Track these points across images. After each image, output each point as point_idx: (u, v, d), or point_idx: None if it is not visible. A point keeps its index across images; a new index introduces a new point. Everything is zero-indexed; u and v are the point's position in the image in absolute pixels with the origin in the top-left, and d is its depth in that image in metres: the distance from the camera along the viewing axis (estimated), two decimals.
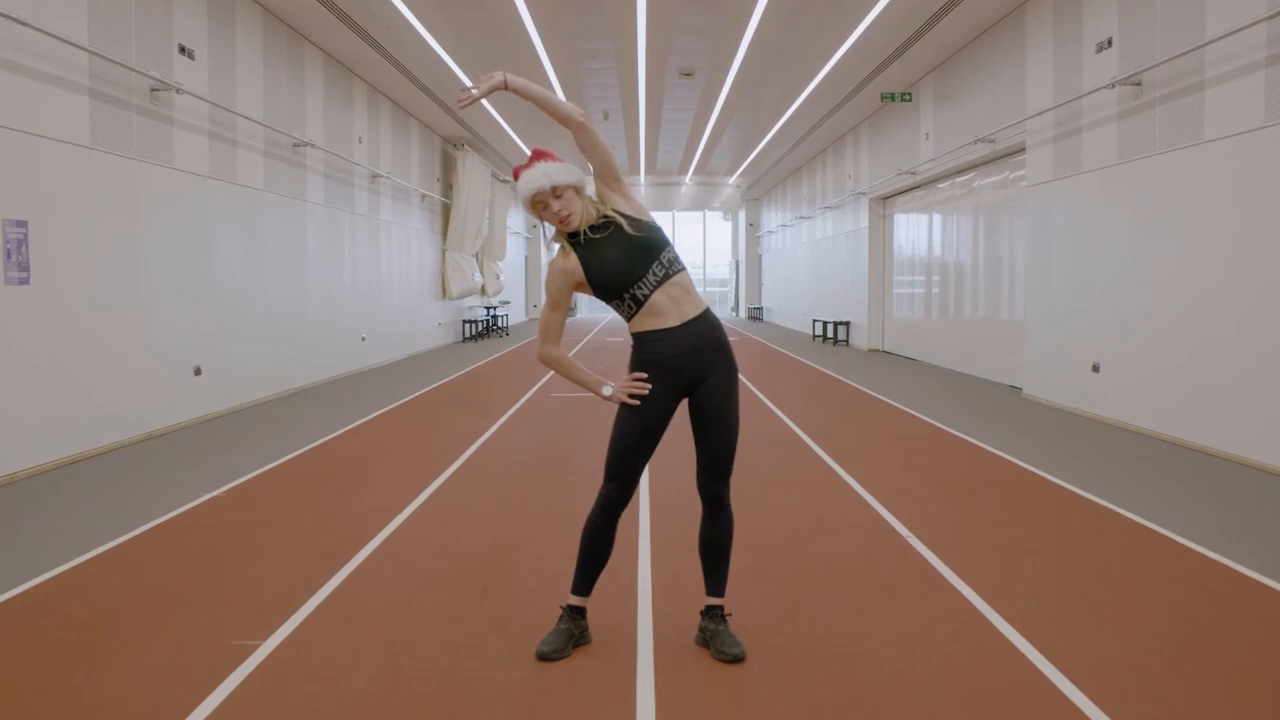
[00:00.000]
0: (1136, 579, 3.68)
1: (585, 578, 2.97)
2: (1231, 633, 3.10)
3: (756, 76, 12.50)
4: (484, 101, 14.04)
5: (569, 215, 2.83)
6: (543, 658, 2.86)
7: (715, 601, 3.00)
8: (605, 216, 2.85)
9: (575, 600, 2.98)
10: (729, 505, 2.99)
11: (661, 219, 33.76)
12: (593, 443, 6.60)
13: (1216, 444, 6.23)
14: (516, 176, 2.84)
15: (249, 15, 8.79)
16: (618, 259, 2.82)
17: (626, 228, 2.82)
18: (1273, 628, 3.15)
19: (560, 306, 2.98)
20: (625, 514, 3.00)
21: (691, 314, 2.84)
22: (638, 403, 2.84)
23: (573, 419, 7.93)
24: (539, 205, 2.83)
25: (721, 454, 2.92)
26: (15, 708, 2.59)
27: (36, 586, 3.60)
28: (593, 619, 3.08)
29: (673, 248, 2.90)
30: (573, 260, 2.88)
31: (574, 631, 2.95)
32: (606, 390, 2.90)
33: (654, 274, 2.81)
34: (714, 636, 2.92)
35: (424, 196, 15.76)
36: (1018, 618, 3.23)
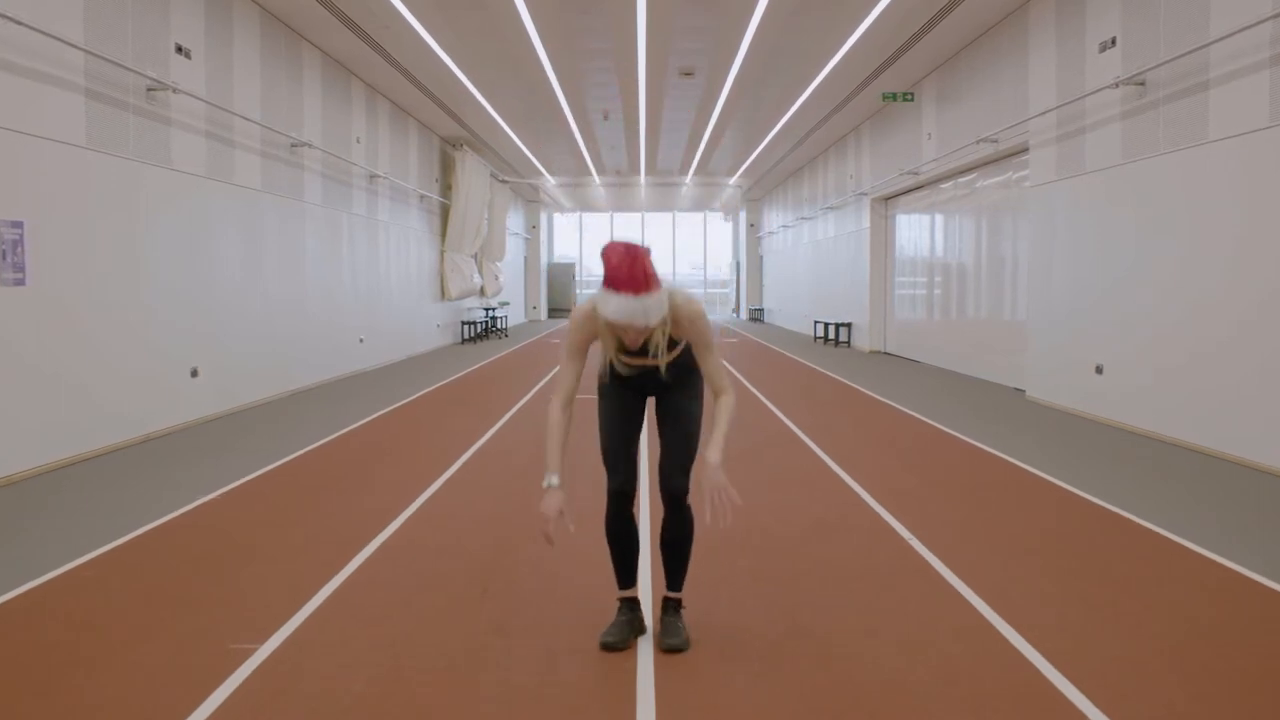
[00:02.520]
0: (1137, 579, 3.67)
1: (624, 570, 3.04)
2: (1232, 633, 3.09)
3: (757, 76, 12.48)
4: (484, 101, 14.05)
5: (640, 341, 2.75)
6: (606, 648, 2.94)
7: (672, 595, 3.07)
8: (662, 346, 2.78)
9: (624, 593, 3.05)
10: (688, 504, 2.98)
11: (662, 220, 33.84)
12: (592, 443, 6.57)
13: (1217, 445, 6.21)
14: (608, 272, 2.59)
15: (246, 14, 8.77)
16: (640, 373, 2.89)
17: (664, 375, 2.85)
18: (1273, 628, 3.14)
19: (577, 355, 2.87)
20: None
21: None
22: (552, 543, 2.81)
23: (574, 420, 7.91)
24: (619, 328, 2.68)
25: (676, 443, 2.94)
26: (14, 709, 2.58)
27: (36, 588, 3.59)
28: (592, 620, 3.06)
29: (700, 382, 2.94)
30: (599, 325, 2.78)
31: (634, 622, 3.03)
32: (547, 482, 2.85)
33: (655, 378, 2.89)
34: (662, 627, 3.01)
35: (422, 197, 15.74)
36: (1018, 618, 3.22)
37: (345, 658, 2.92)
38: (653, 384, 2.95)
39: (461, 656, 2.92)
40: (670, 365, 2.84)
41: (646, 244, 2.64)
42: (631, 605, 3.05)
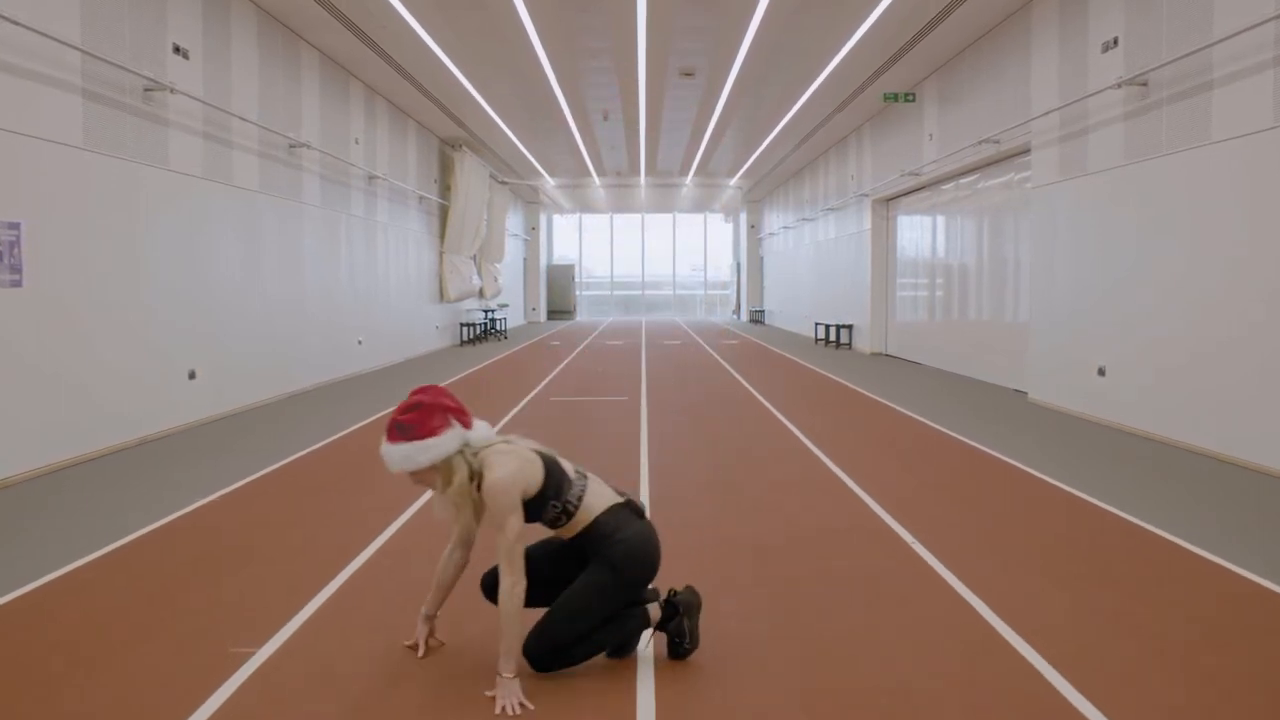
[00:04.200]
0: (1142, 584, 3.63)
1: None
2: (1238, 638, 3.05)
3: (758, 76, 12.45)
4: (483, 102, 14.01)
5: (426, 488, 2.79)
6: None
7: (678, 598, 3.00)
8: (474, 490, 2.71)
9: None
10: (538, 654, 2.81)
11: (662, 221, 33.78)
12: (593, 444, 6.55)
13: (1220, 447, 6.17)
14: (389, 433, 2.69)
15: (244, 14, 8.74)
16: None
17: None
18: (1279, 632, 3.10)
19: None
20: None
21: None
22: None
23: (573, 422, 7.87)
24: None
25: (552, 613, 2.77)
26: (14, 711, 2.55)
27: (34, 590, 3.56)
28: None
29: (555, 501, 2.76)
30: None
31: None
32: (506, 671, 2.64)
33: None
34: (671, 632, 2.94)
35: (421, 198, 15.71)
36: (1022, 624, 3.18)
37: (345, 660, 2.88)
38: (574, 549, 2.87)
39: (461, 659, 2.88)
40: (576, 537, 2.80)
41: (440, 389, 2.74)
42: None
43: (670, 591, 2.93)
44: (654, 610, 2.87)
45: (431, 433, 2.62)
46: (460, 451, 2.66)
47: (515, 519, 2.63)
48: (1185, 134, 6.58)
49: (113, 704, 2.60)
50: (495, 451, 2.69)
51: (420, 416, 2.63)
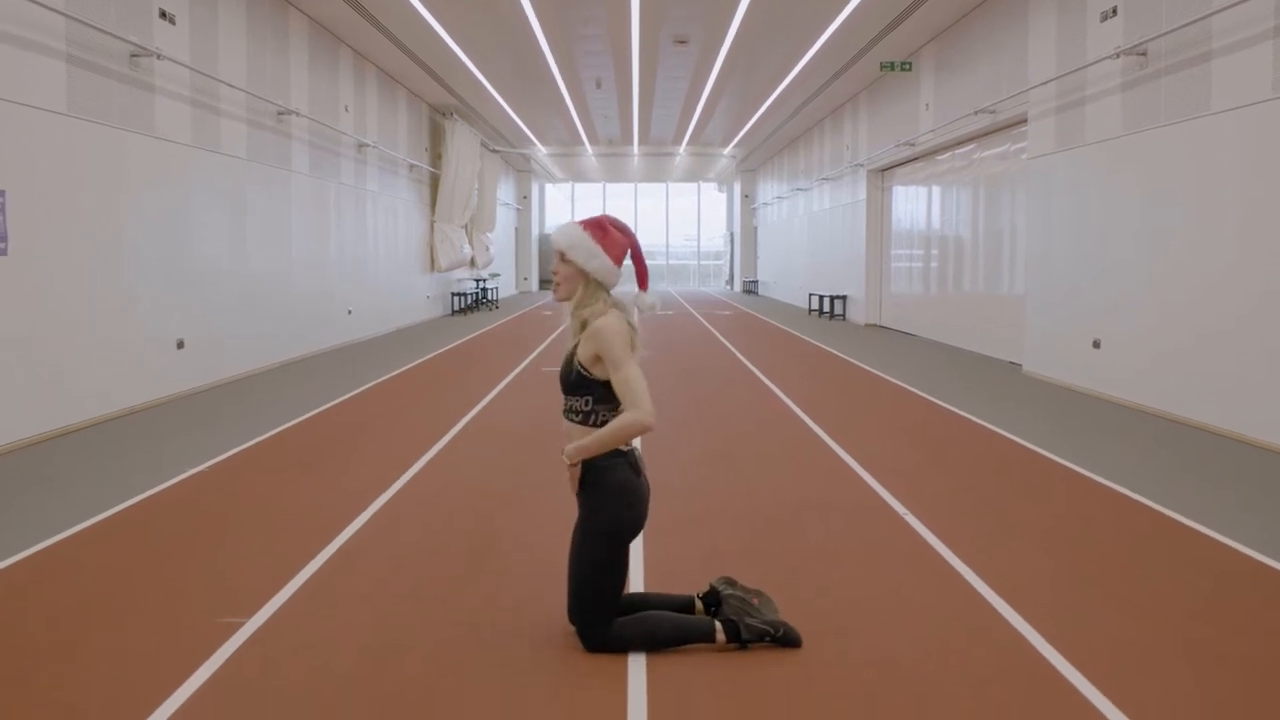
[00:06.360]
0: (1138, 559, 3.64)
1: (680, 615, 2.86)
2: (1235, 614, 3.06)
3: (753, 44, 12.29)
4: (474, 69, 13.82)
5: (558, 284, 2.76)
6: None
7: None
8: (583, 326, 2.68)
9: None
10: (594, 637, 2.74)
11: (655, 190, 33.45)
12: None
13: (1221, 422, 6.18)
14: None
15: None
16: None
17: (570, 353, 2.72)
18: (1277, 608, 3.11)
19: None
20: None
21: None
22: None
23: None
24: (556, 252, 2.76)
25: (569, 580, 2.77)
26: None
27: (16, 564, 3.53)
28: None
29: (590, 400, 2.67)
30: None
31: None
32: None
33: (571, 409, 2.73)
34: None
35: (412, 167, 15.54)
36: (1017, 598, 3.18)
37: (333, 634, 2.87)
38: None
39: (452, 631, 2.87)
40: (580, 474, 2.68)
41: (640, 242, 2.81)
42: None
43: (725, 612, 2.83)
44: (718, 630, 2.78)
45: (615, 258, 2.71)
46: (606, 288, 2.72)
47: (626, 362, 2.57)
48: (1184, 105, 6.52)
49: (99, 676, 2.59)
50: (616, 316, 2.67)
51: (619, 240, 2.72)
